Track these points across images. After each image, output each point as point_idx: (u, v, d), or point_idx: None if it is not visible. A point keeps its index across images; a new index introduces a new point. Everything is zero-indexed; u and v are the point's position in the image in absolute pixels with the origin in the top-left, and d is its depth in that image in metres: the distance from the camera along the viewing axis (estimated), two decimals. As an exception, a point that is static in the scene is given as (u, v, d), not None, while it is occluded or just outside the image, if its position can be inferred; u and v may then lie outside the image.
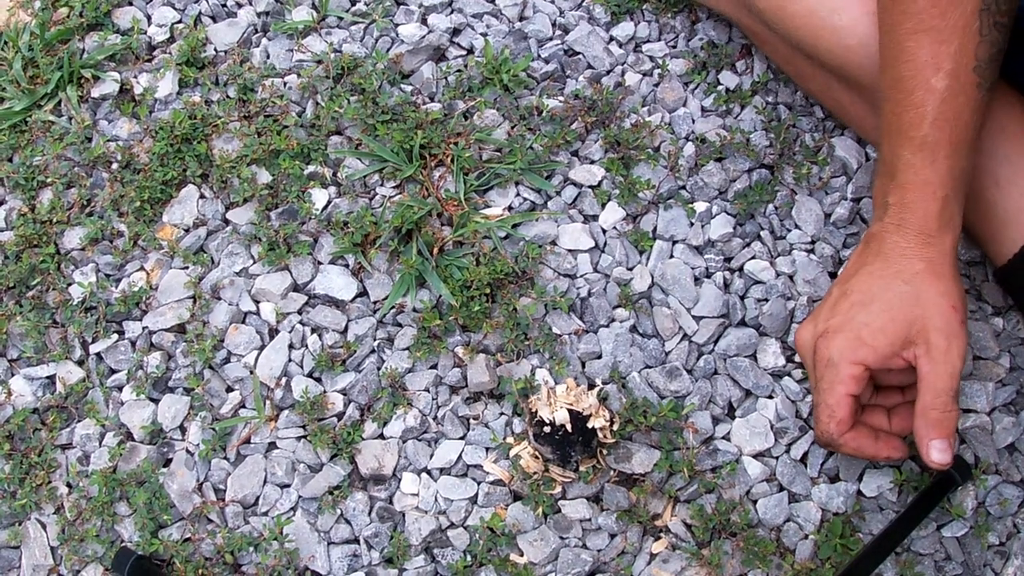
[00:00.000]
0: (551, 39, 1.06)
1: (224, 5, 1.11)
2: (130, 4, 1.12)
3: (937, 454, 0.74)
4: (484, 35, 1.06)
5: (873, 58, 0.83)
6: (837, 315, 0.78)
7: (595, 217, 0.97)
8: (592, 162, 0.99)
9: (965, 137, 0.74)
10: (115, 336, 0.95)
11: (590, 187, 0.98)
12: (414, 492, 0.88)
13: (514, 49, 1.05)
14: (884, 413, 0.81)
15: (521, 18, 1.08)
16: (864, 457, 0.79)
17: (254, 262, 0.97)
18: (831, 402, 0.76)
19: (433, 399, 0.91)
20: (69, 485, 0.91)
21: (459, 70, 1.04)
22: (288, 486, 0.89)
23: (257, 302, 0.95)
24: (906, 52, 0.73)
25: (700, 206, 0.96)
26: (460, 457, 0.89)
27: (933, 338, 0.73)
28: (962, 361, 0.74)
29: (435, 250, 0.94)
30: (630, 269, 0.95)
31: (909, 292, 0.75)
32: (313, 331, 0.94)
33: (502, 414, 0.90)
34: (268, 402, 0.92)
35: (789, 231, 0.96)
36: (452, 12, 1.08)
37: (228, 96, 1.05)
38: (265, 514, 0.89)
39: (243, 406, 0.92)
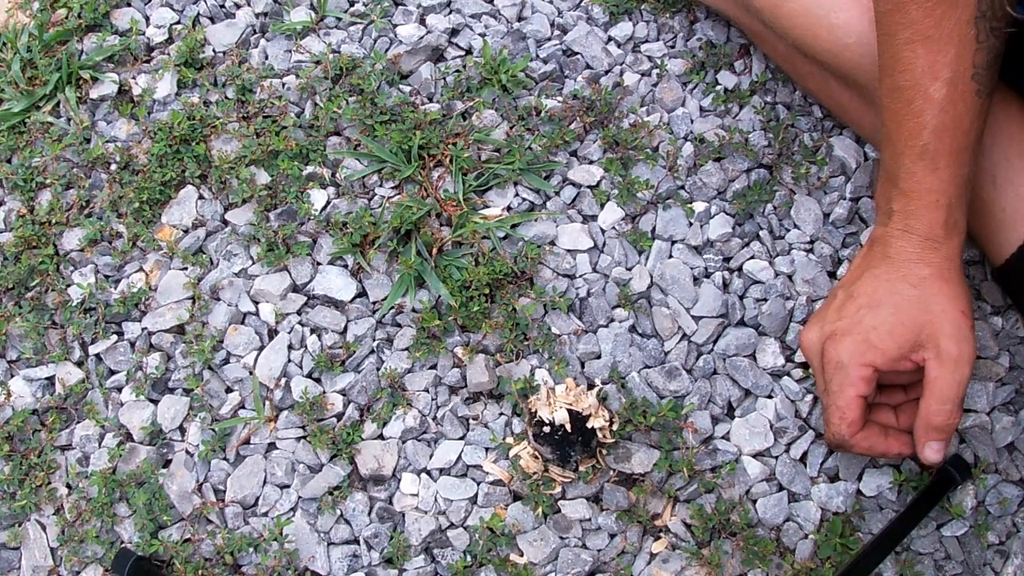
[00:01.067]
0: (549, 39, 1.06)
1: (222, 6, 1.11)
2: (128, 5, 1.12)
3: (932, 453, 0.76)
4: (482, 35, 1.06)
5: (870, 56, 0.83)
6: (844, 318, 0.78)
7: (594, 217, 0.97)
8: (591, 162, 0.99)
9: (966, 144, 0.74)
10: (114, 337, 0.95)
11: (589, 187, 0.98)
12: (414, 492, 0.88)
13: (512, 49, 1.05)
14: (890, 410, 0.81)
15: (519, 18, 1.08)
16: (875, 455, 0.79)
17: (253, 263, 0.97)
18: (841, 404, 0.76)
19: (432, 399, 0.91)
20: (69, 486, 0.91)
21: (458, 70, 1.04)
22: (288, 487, 0.89)
23: (256, 303, 0.95)
24: (903, 61, 0.73)
25: (699, 206, 0.96)
26: (460, 457, 0.89)
27: (944, 344, 0.74)
28: (971, 368, 0.74)
29: (434, 250, 0.94)
30: (629, 269, 0.95)
31: (917, 296, 0.75)
32: (312, 332, 0.94)
33: (501, 414, 0.90)
34: (267, 403, 0.92)
35: (788, 231, 0.96)
36: (450, 12, 1.08)
37: (227, 97, 1.05)
38: (265, 515, 0.89)
39: (242, 407, 0.92)
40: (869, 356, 0.75)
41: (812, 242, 0.95)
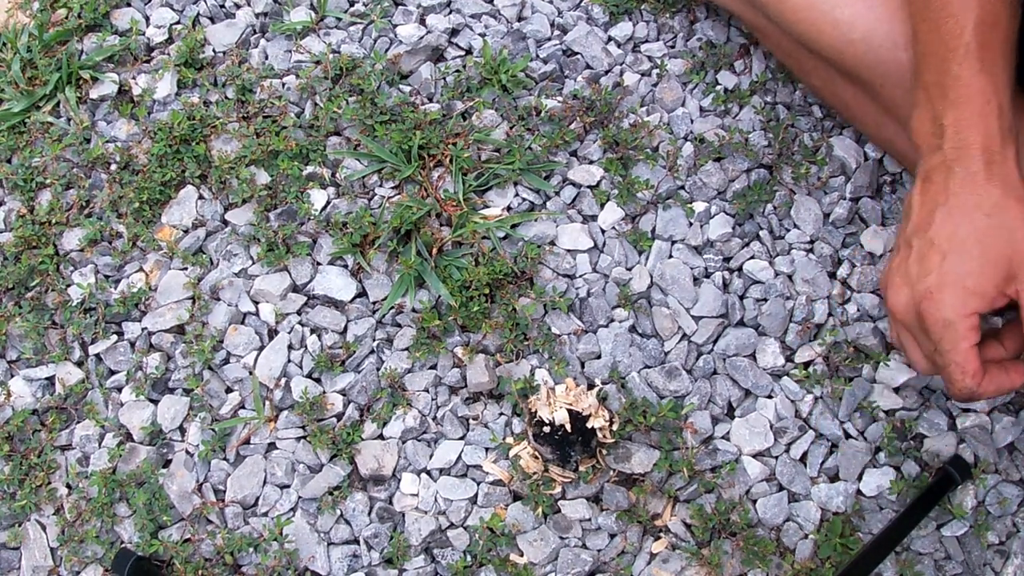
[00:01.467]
0: (549, 39, 1.06)
1: (222, 6, 1.11)
2: (128, 5, 1.12)
3: None
4: (482, 35, 1.06)
5: (875, 52, 0.83)
6: (931, 271, 0.75)
7: (594, 217, 0.97)
8: (591, 162, 0.99)
9: (1006, 42, 0.73)
10: (114, 337, 0.95)
11: (589, 187, 0.98)
12: (414, 492, 0.88)
13: (512, 49, 1.05)
14: (994, 340, 0.78)
15: (519, 18, 1.08)
16: (1004, 392, 0.76)
17: (253, 263, 0.97)
18: (959, 360, 0.74)
19: (432, 399, 0.91)
20: (69, 486, 0.91)
21: (457, 70, 1.04)
22: (288, 487, 0.89)
23: (256, 303, 0.95)
24: None
25: (699, 206, 0.96)
26: (460, 457, 0.89)
27: None
28: None
29: (434, 250, 0.94)
30: (629, 269, 0.95)
31: (996, 225, 0.73)
32: (312, 332, 0.94)
33: (501, 414, 0.90)
34: (267, 403, 0.92)
35: (788, 231, 0.96)
36: (450, 12, 1.08)
37: (227, 97, 1.05)
38: (265, 515, 0.89)
39: (242, 407, 0.92)
40: (972, 304, 0.73)
41: (812, 242, 0.95)
